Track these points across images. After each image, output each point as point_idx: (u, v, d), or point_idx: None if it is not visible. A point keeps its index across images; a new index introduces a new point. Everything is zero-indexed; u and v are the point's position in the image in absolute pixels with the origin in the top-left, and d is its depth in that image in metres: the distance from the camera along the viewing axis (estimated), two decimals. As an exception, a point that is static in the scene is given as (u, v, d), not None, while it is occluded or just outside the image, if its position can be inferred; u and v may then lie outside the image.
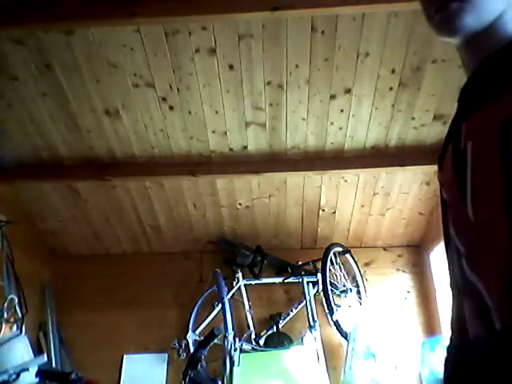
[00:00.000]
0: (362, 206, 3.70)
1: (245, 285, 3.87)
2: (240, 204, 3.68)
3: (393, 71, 2.62)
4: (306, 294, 3.78)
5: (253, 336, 3.68)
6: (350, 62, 2.56)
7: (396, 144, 3.10)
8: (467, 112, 0.73)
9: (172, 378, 3.68)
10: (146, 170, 3.29)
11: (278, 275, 3.96)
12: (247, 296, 3.85)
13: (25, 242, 3.64)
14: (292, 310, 3.78)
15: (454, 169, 0.73)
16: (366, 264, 4.08)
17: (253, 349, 3.57)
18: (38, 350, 3.53)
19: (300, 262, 3.99)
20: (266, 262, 3.90)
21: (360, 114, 2.89)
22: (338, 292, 3.75)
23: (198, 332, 3.68)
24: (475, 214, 0.67)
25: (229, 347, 3.32)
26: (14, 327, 3.28)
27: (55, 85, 2.70)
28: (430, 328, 3.82)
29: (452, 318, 0.78)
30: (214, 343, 3.12)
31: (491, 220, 0.63)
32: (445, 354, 0.80)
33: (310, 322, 3.64)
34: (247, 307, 3.80)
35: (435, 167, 0.86)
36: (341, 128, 3.00)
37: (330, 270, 3.64)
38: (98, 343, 3.76)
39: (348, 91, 2.74)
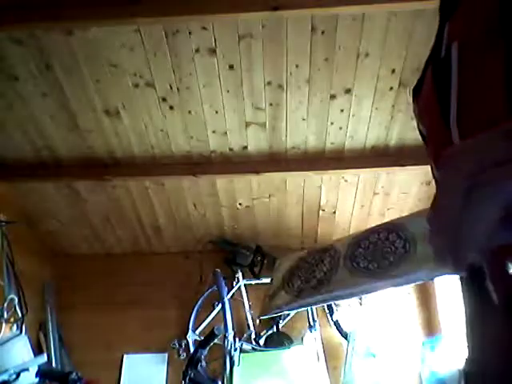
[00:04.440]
0: (362, 206, 3.71)
1: (245, 285, 3.88)
2: (240, 204, 3.68)
3: (393, 71, 2.62)
4: (306, 293, 3.78)
5: (253, 336, 3.68)
6: (350, 62, 2.57)
7: (396, 144, 3.10)
8: (449, 13, 0.55)
9: (172, 378, 3.68)
10: (146, 170, 3.29)
11: (278, 275, 3.96)
12: (247, 296, 3.85)
13: (25, 242, 3.64)
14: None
15: (433, 89, 0.54)
16: (366, 264, 4.08)
17: (253, 349, 3.57)
18: (37, 350, 3.53)
19: (300, 262, 3.99)
20: (265, 261, 3.90)
21: (360, 114, 2.89)
22: (338, 292, 3.75)
23: (198, 332, 3.69)
24: (462, 135, 0.48)
25: (229, 347, 3.32)
26: (14, 327, 3.28)
27: (55, 85, 2.70)
28: (430, 328, 3.82)
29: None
30: (214, 343, 3.12)
31: None
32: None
33: (309, 322, 3.64)
34: (247, 307, 3.80)
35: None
36: (341, 128, 3.00)
37: (330, 269, 3.64)
38: (98, 343, 3.76)
39: (348, 91, 2.74)
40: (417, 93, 0.63)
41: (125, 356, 3.79)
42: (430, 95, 0.55)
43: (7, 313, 3.19)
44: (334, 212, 3.77)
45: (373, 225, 3.87)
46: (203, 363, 3.10)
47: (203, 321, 3.74)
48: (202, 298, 3.80)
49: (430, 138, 0.57)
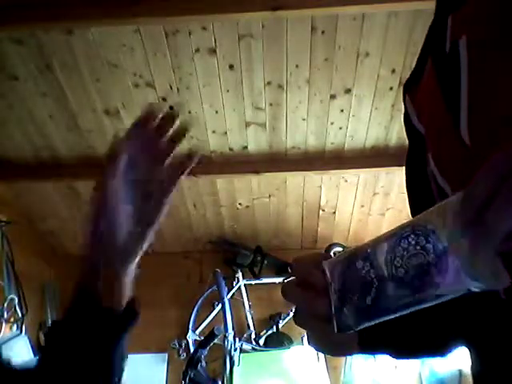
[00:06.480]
0: (362, 206, 3.71)
1: (245, 285, 3.88)
2: (240, 204, 3.68)
3: (393, 71, 2.62)
4: (306, 293, 3.78)
5: (253, 336, 3.68)
6: (349, 62, 2.57)
7: (396, 144, 3.10)
8: (453, 6, 0.50)
9: (172, 377, 3.67)
10: (145, 170, 3.28)
11: (277, 275, 3.96)
12: (247, 296, 3.85)
13: (25, 242, 3.63)
14: (292, 310, 3.78)
15: (437, 84, 0.51)
16: (366, 264, 4.08)
17: (253, 349, 3.58)
18: (38, 350, 3.52)
19: (300, 262, 3.98)
20: (266, 262, 3.90)
21: (360, 114, 2.89)
22: (338, 292, 3.74)
23: (197, 332, 3.69)
24: (473, 136, 0.45)
25: (229, 347, 3.33)
26: (14, 327, 3.28)
27: (55, 85, 2.70)
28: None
29: None
30: (214, 343, 3.13)
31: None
32: None
33: (310, 322, 3.64)
34: (247, 307, 3.80)
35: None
36: (341, 128, 3.00)
37: (330, 269, 3.64)
38: (98, 343, 3.75)
39: (348, 91, 2.74)
40: (409, 87, 0.60)
41: (125, 356, 3.78)
42: (432, 91, 0.52)
43: (7, 313, 3.19)
44: (334, 212, 3.77)
45: (372, 225, 3.88)
46: (203, 363, 3.10)
47: (203, 321, 3.74)
48: (201, 298, 3.80)
49: (431, 134, 0.54)
